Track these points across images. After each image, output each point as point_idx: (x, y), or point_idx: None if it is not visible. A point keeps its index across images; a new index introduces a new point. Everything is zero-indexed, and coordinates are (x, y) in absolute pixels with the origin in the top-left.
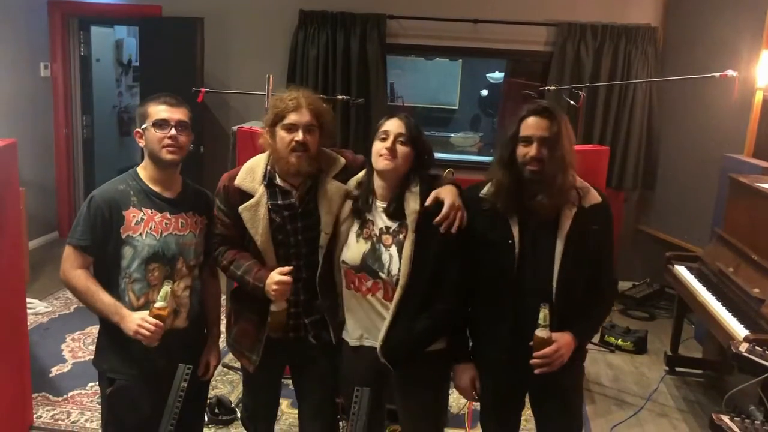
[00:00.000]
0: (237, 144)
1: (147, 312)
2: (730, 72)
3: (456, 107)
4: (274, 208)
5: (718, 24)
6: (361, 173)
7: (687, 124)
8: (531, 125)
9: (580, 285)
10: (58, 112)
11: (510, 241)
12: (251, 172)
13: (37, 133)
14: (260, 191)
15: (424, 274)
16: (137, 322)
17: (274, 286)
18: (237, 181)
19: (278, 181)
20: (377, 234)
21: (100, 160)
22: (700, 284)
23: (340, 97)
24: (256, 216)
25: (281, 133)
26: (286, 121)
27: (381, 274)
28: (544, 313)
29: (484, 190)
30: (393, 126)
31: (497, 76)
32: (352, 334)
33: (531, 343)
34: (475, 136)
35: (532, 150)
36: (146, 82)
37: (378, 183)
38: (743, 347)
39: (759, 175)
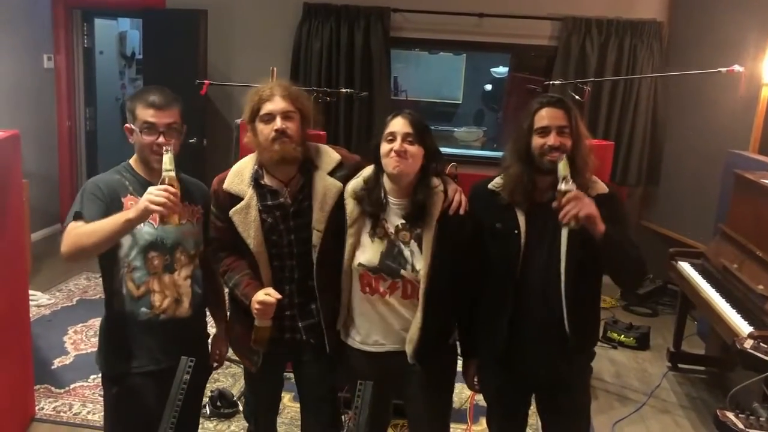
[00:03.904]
0: (240, 137)
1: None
2: (736, 67)
3: (460, 102)
4: (265, 209)
5: (724, 19)
6: (366, 172)
7: (692, 120)
8: (546, 116)
9: (592, 276)
10: (61, 104)
11: (516, 231)
12: (239, 175)
13: (40, 125)
14: (249, 193)
15: (446, 267)
16: (147, 195)
17: (257, 306)
18: (225, 185)
19: (266, 180)
20: (393, 232)
21: (103, 153)
22: (704, 281)
23: (343, 90)
24: (247, 219)
25: (260, 126)
26: (262, 111)
27: (403, 272)
28: (563, 164)
29: (494, 183)
30: (399, 126)
31: (501, 70)
32: (366, 340)
33: (554, 203)
34: (478, 131)
35: (550, 139)
36: (149, 74)
37: (390, 184)
38: (748, 344)
39: (765, 171)
